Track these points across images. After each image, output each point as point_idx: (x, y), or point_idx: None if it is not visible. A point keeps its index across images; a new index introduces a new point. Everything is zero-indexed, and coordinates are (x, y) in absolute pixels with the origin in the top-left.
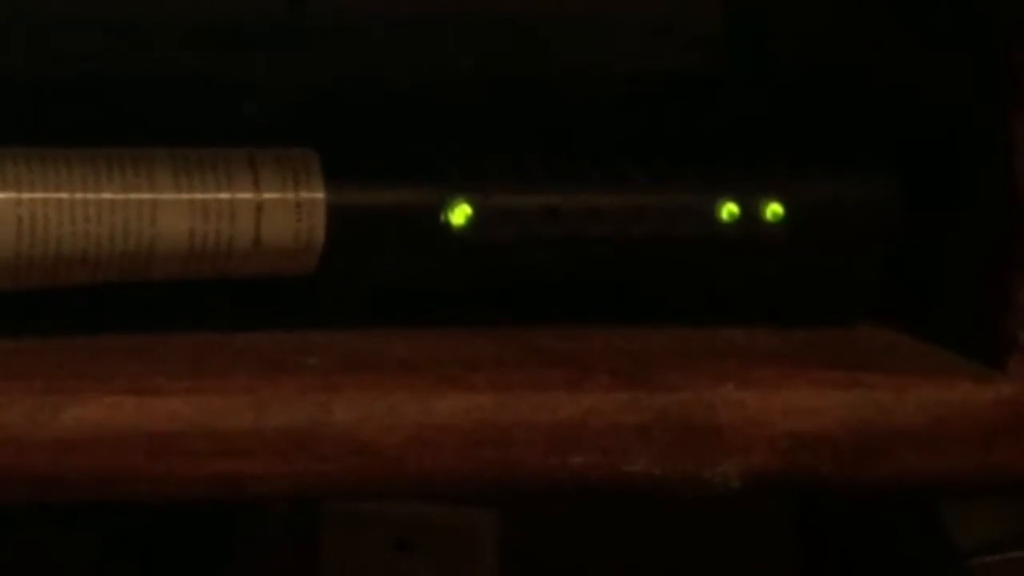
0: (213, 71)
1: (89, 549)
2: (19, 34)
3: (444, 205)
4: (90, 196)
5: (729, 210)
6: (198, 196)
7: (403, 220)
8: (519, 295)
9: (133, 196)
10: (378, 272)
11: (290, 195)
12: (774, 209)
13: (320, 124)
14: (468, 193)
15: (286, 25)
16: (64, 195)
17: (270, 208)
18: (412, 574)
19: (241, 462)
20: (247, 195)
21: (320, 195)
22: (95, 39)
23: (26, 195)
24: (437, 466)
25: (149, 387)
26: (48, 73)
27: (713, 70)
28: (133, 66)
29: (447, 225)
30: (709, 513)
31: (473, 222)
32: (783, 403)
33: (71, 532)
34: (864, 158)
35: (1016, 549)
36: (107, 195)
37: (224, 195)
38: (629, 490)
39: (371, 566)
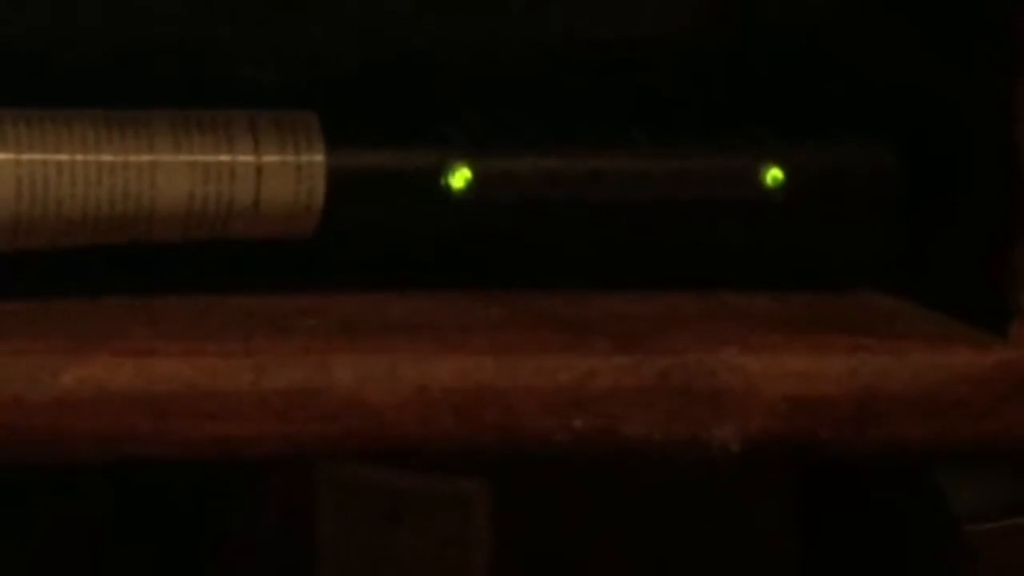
0: (214, 34)
1: (86, 520)
2: None
3: (444, 168)
4: (90, 158)
5: (729, 175)
6: (198, 158)
7: (403, 183)
8: (519, 258)
9: (133, 158)
10: (378, 235)
11: (290, 158)
12: (774, 174)
13: (321, 87)
14: (468, 157)
15: None
16: (64, 156)
17: (270, 170)
18: (405, 545)
19: (240, 423)
20: (247, 157)
21: (320, 158)
22: (96, 3)
23: (25, 156)
24: (437, 428)
25: (149, 348)
26: (48, 35)
27: (711, 35)
28: (134, 28)
29: (447, 188)
30: (706, 484)
31: (473, 186)
32: (783, 367)
33: (70, 505)
34: (865, 123)
35: (1012, 516)
36: (107, 157)
37: (224, 157)
38: (629, 454)
39: (364, 537)
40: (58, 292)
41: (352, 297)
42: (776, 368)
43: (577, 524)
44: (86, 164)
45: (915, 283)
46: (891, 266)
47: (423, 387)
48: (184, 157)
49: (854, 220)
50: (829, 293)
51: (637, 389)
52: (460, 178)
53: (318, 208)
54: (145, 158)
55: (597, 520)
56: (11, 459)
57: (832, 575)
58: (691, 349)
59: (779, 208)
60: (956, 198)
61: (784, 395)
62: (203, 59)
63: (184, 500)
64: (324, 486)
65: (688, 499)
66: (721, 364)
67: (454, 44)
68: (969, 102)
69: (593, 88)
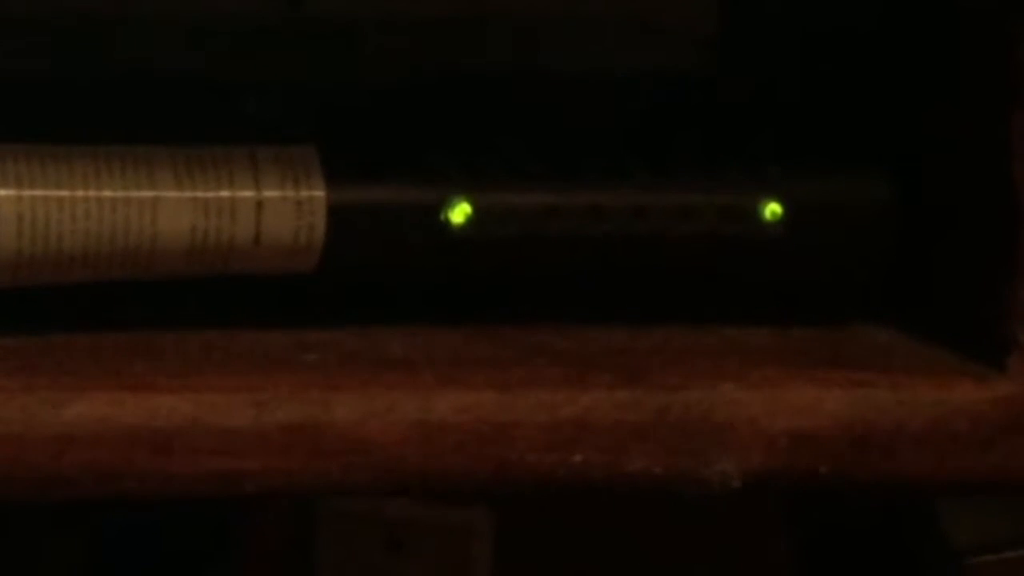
0: (214, 69)
1: (83, 546)
2: (21, 32)
3: (444, 203)
4: (91, 194)
5: (728, 209)
6: (199, 194)
7: (403, 218)
8: (519, 293)
9: (134, 194)
10: (378, 270)
11: (291, 193)
12: (773, 208)
13: (321, 122)
14: (468, 192)
15: (287, 23)
16: (65, 193)
17: (271, 206)
18: (406, 573)
19: (241, 459)
20: (248, 193)
21: (321, 193)
22: (96, 37)
23: (27, 193)
24: (437, 464)
25: (150, 384)
26: (49, 71)
27: (710, 69)
28: (134, 64)
29: (447, 223)
30: (705, 511)
31: (473, 220)
32: (782, 402)
33: (64, 530)
34: (863, 157)
35: (1012, 549)
36: (108, 193)
37: (225, 193)
38: (629, 489)
39: (365, 565)
40: (59, 328)
41: (353, 332)
42: (776, 403)
43: (579, 552)
44: (87, 200)
45: (913, 317)
46: (889, 300)
47: (424, 422)
48: (185, 193)
49: (853, 254)
50: (828, 327)
51: (637, 424)
52: (460, 213)
53: (319, 243)
54: (146, 194)
55: (599, 548)
56: (13, 495)
57: None
58: (691, 384)
59: (778, 242)
60: (954, 232)
61: (784, 430)
62: (203, 94)
63: (183, 528)
64: (324, 513)
65: (689, 528)
66: (721, 399)
67: (453, 78)
68: (967, 136)
69: (592, 122)
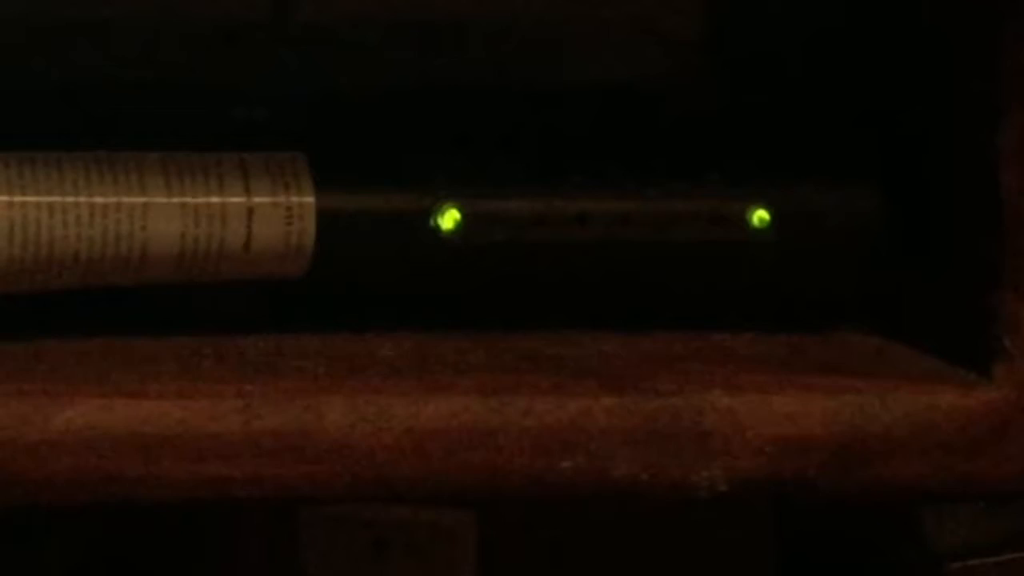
0: (203, 76)
1: (64, 548)
2: (11, 39)
3: (433, 210)
4: (82, 199)
5: (716, 216)
6: (189, 200)
7: (392, 224)
8: (507, 300)
9: (125, 200)
10: (367, 276)
11: (280, 199)
12: (760, 215)
13: (310, 128)
14: (457, 198)
15: (275, 30)
16: (56, 199)
17: (261, 212)
18: (391, 574)
19: (231, 465)
20: (238, 199)
21: (310, 199)
22: (86, 44)
23: (18, 198)
24: (426, 469)
25: (140, 390)
26: (39, 78)
27: (697, 75)
28: (123, 71)
29: (436, 229)
30: (691, 516)
31: (462, 227)
32: (770, 408)
33: (45, 546)
34: (851, 164)
35: (994, 554)
36: (99, 199)
37: (215, 199)
38: (617, 494)
39: (350, 566)
40: (49, 334)
41: (342, 338)
42: (763, 409)
43: (563, 554)
44: (78, 206)
45: (900, 324)
46: (876, 307)
47: (412, 428)
48: (175, 199)
49: (840, 261)
50: (815, 333)
51: (625, 430)
52: (449, 219)
53: (308, 249)
54: (137, 200)
55: (583, 550)
56: (2, 500)
57: None
58: (679, 390)
59: (765, 249)
60: (941, 239)
61: (771, 436)
62: (193, 101)
63: (166, 533)
64: (308, 517)
65: (673, 530)
66: (708, 405)
67: (442, 85)
68: (956, 143)
69: (580, 129)
